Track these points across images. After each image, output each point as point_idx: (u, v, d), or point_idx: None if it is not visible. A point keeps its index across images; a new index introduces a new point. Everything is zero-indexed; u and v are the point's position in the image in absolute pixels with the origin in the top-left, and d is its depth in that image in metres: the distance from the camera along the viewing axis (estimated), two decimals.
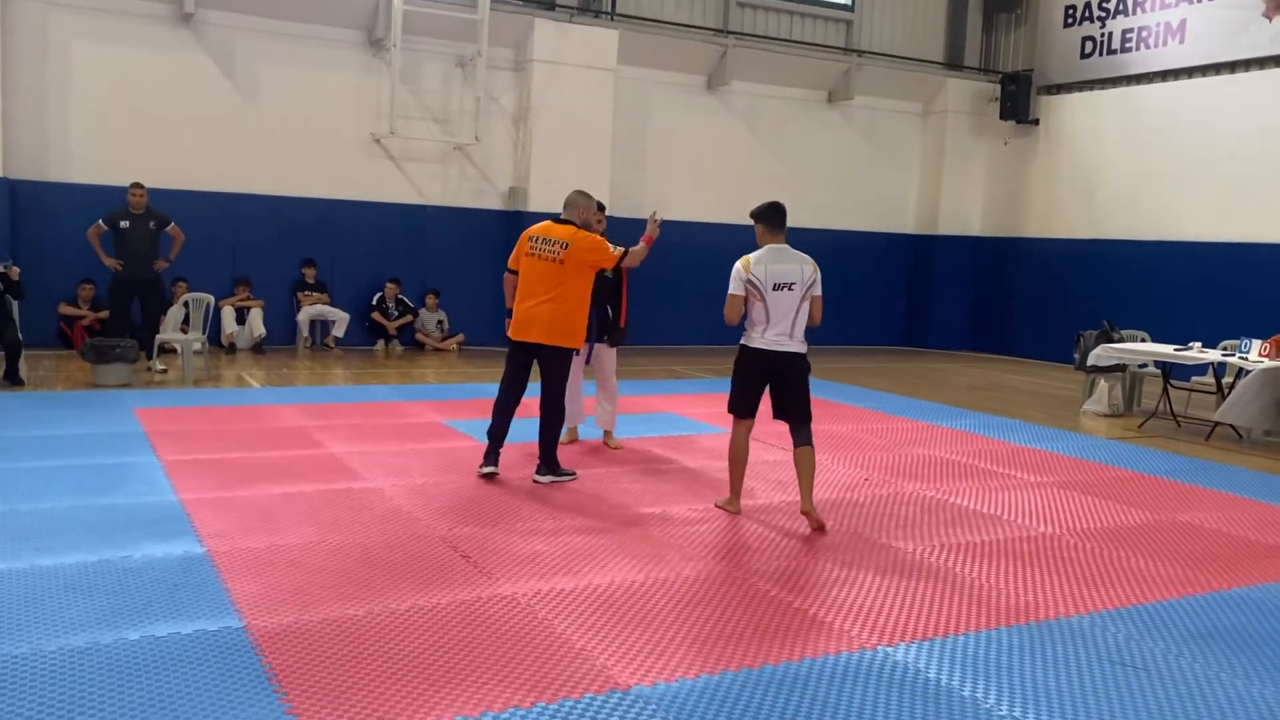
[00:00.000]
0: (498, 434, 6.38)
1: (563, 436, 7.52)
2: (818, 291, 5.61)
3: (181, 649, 3.59)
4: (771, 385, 5.61)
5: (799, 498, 5.63)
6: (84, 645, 3.58)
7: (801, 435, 5.59)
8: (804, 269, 5.54)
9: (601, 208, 7.30)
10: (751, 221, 5.70)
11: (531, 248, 6.24)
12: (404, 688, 3.37)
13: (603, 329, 7.34)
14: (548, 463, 6.37)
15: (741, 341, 5.65)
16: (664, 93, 14.87)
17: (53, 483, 5.77)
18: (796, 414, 5.58)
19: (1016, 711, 3.42)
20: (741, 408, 5.68)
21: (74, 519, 5.09)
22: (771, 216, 5.60)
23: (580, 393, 7.54)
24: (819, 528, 5.52)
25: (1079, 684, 3.67)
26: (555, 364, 6.32)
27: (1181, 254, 13.87)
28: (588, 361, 7.39)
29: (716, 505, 5.92)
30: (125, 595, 4.09)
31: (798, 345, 5.55)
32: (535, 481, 6.30)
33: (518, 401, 6.42)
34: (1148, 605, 4.56)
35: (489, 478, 6.31)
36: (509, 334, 6.36)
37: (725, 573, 4.73)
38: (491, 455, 6.37)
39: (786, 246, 5.61)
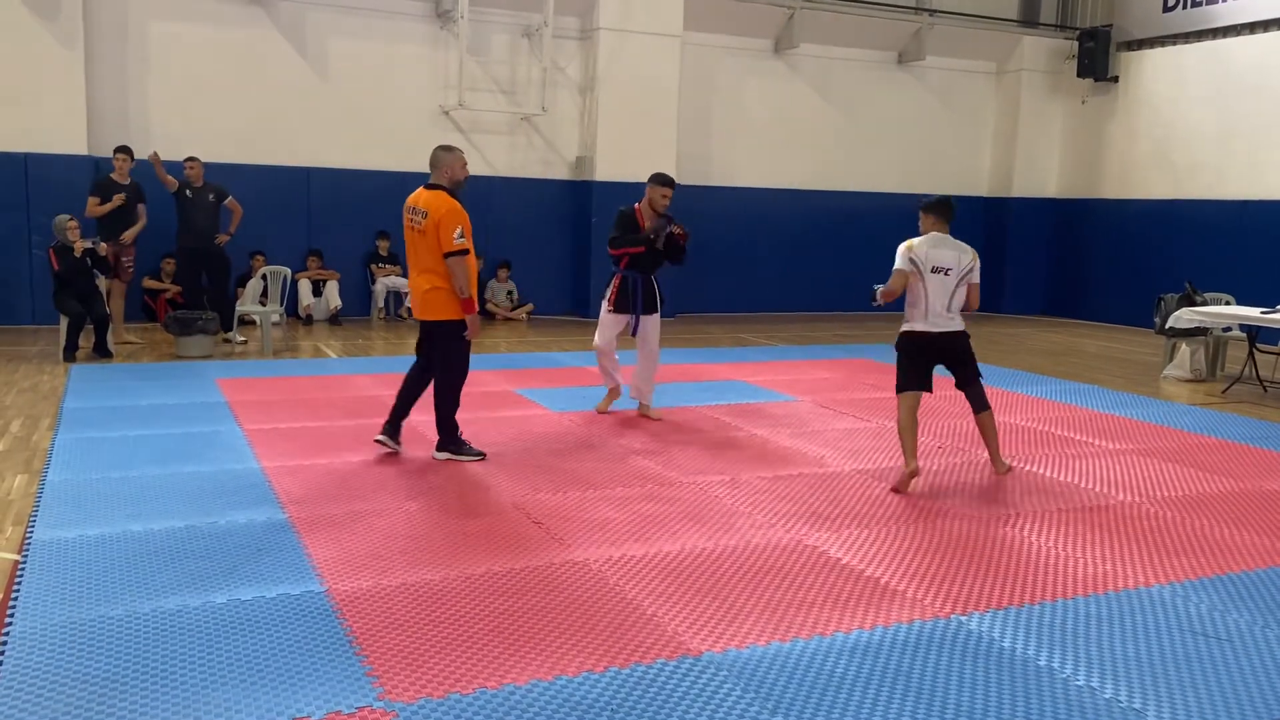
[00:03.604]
0: (395, 409, 6.09)
1: (600, 404, 7.50)
2: (975, 279, 5.88)
3: (266, 612, 3.71)
4: (945, 363, 5.95)
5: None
6: (175, 608, 3.71)
7: (978, 402, 5.99)
8: (962, 257, 5.81)
9: (668, 182, 7.13)
10: (920, 212, 6.01)
11: (408, 219, 5.87)
12: (479, 651, 3.44)
13: (649, 301, 7.22)
14: (444, 437, 6.05)
15: (903, 328, 5.89)
16: (731, 58, 14.72)
17: (141, 451, 5.97)
18: (968, 379, 5.97)
19: (1094, 681, 3.38)
20: (904, 384, 5.87)
21: (162, 486, 5.27)
22: (939, 209, 5.91)
23: (618, 362, 7.41)
24: (1008, 472, 6.16)
25: (1158, 654, 3.61)
26: (440, 338, 5.98)
27: (1269, 214, 13.38)
28: (633, 333, 7.26)
29: (897, 485, 5.74)
30: (212, 560, 4.23)
31: (956, 324, 5.86)
32: (434, 458, 6.04)
33: (417, 377, 6.11)
34: (1231, 575, 4.46)
35: (382, 445, 6.09)
36: None
37: (795, 540, 4.73)
38: (388, 426, 6.09)
39: (948, 235, 5.89)
